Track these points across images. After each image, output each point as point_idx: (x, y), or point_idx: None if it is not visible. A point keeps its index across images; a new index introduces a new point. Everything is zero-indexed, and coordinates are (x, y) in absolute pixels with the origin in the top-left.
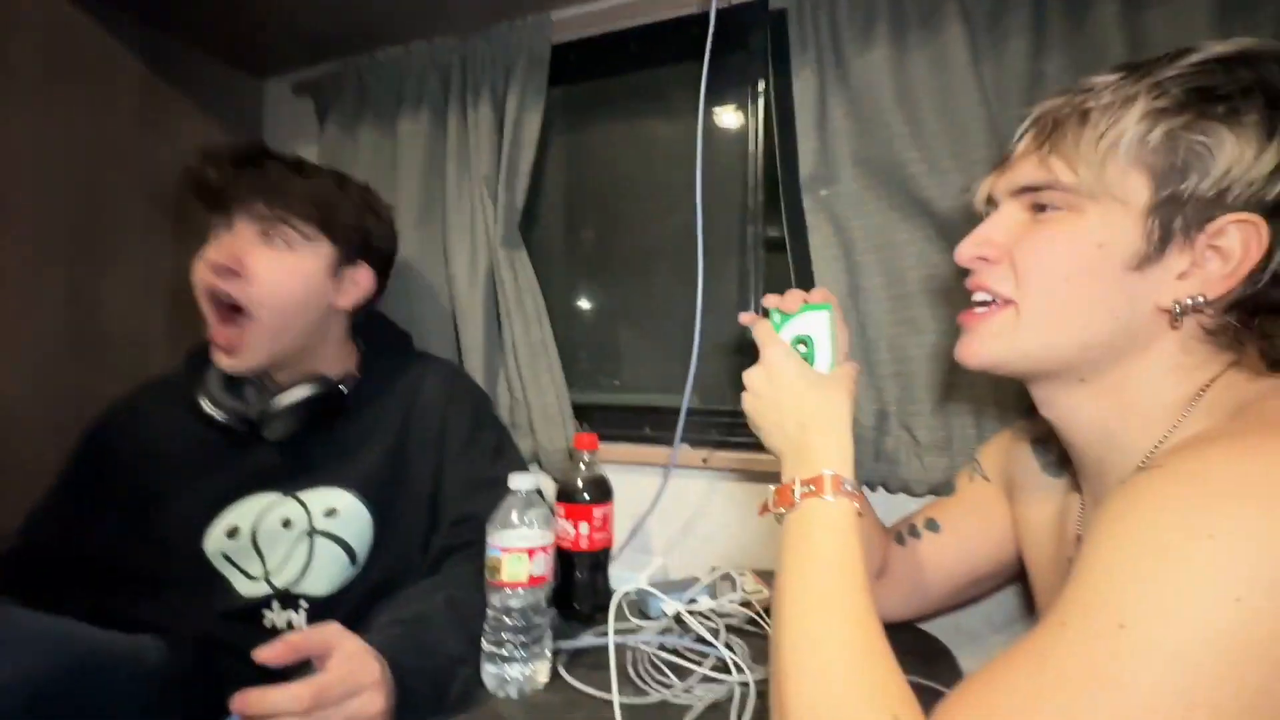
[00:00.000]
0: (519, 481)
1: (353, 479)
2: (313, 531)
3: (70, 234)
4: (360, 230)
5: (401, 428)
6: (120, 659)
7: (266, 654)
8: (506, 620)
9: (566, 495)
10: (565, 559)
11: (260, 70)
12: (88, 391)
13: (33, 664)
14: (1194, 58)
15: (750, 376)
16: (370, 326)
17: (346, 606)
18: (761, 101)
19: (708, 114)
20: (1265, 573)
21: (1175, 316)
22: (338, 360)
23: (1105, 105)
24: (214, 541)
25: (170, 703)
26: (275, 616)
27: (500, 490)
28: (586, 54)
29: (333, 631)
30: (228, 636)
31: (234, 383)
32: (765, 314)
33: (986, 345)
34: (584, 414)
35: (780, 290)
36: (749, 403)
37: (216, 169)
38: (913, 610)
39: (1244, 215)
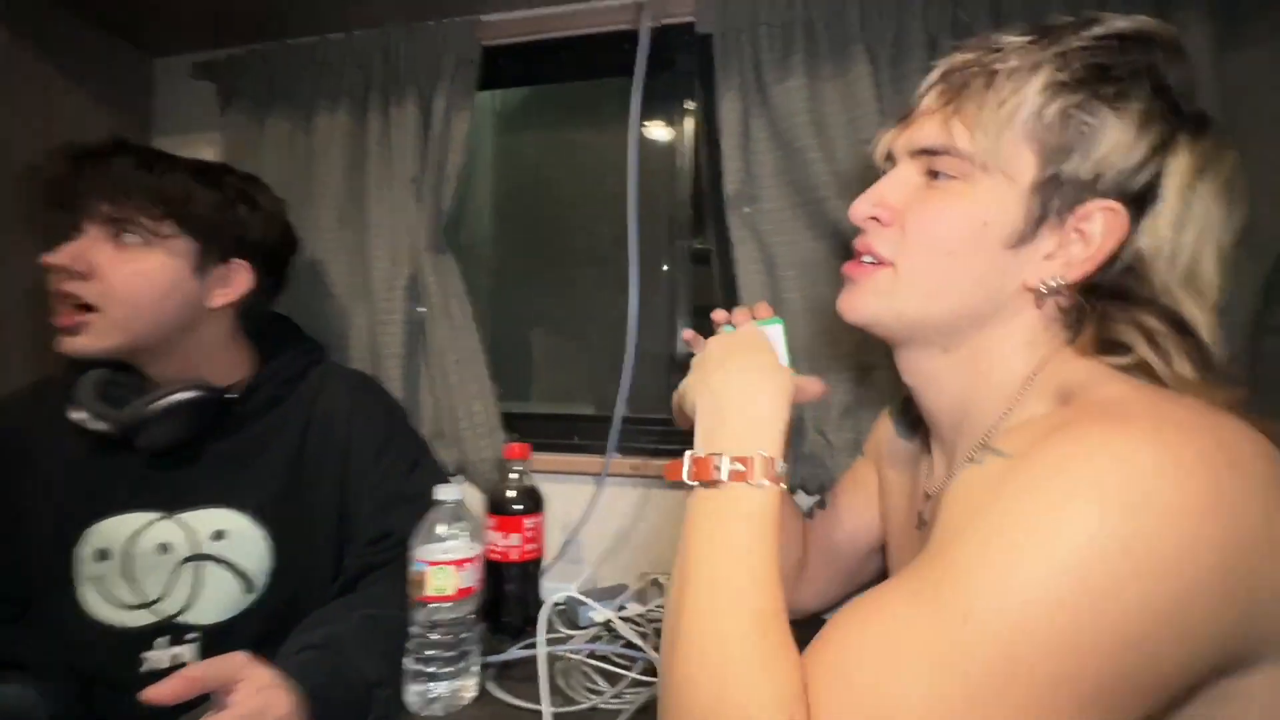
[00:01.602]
0: (445, 493)
1: (244, 498)
2: (197, 556)
3: None
4: (228, 225)
5: (300, 440)
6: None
7: (156, 692)
8: (432, 636)
9: (496, 506)
10: (495, 571)
11: (151, 46)
12: None
13: None
14: (1097, 30)
15: (713, 340)
16: (269, 331)
17: (245, 635)
18: (689, 119)
19: (638, 128)
20: (1099, 578)
21: (1040, 296)
22: (225, 366)
23: (1011, 70)
24: (82, 564)
25: None
26: (158, 654)
27: (418, 504)
28: (518, 60)
29: (238, 662)
30: (109, 675)
31: (113, 389)
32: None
33: (866, 301)
34: (513, 423)
35: (708, 303)
36: (697, 361)
37: (60, 167)
38: (822, 596)
39: (1109, 202)
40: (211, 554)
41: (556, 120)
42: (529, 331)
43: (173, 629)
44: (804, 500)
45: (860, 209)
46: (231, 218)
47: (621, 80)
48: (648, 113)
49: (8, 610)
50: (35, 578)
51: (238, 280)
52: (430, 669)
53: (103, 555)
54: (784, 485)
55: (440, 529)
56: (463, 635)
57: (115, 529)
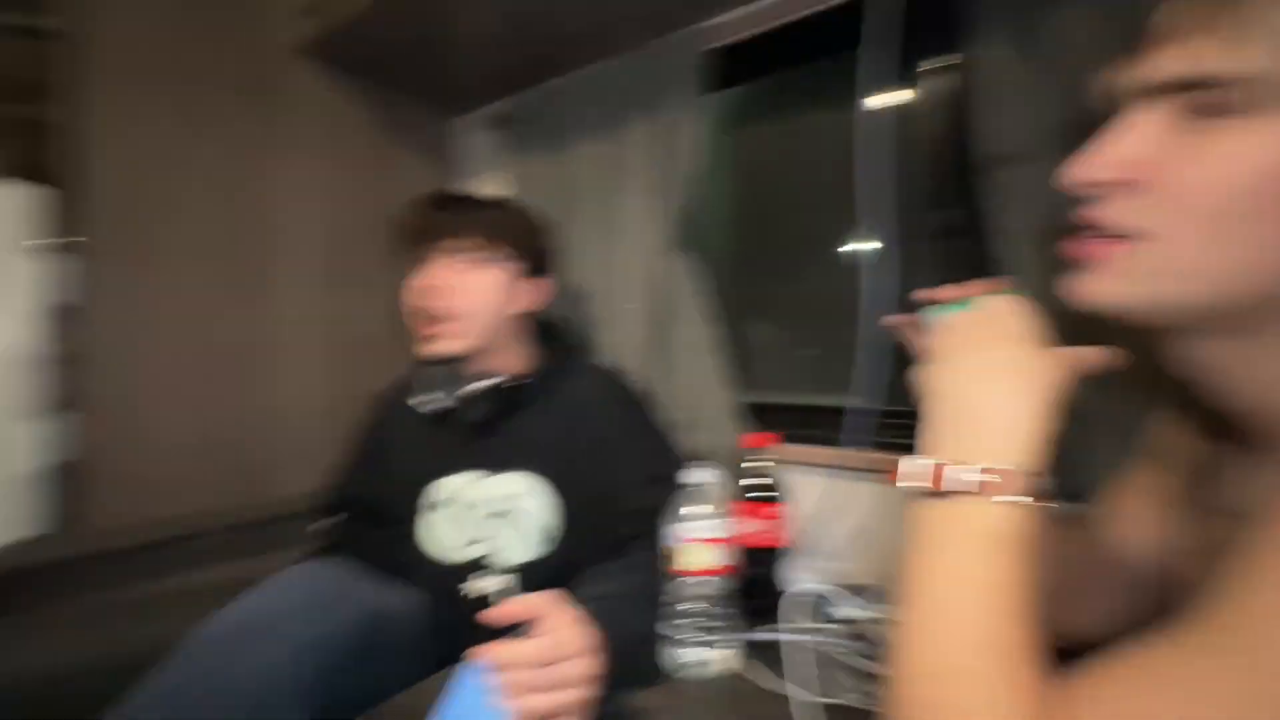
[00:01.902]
0: (695, 476)
1: (537, 466)
2: (504, 511)
3: (325, 263)
4: (530, 247)
5: (569, 424)
6: (396, 613)
7: (495, 615)
8: (686, 607)
9: (739, 493)
10: (739, 556)
11: (453, 108)
12: (338, 392)
13: (346, 618)
14: None
15: (951, 319)
16: (543, 331)
17: (537, 580)
18: (927, 83)
19: (865, 101)
20: None
21: None
22: (517, 361)
23: None
24: (428, 510)
25: (424, 650)
26: (480, 585)
27: (669, 485)
28: (740, 57)
29: (551, 599)
30: (446, 593)
31: (439, 381)
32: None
33: (1119, 287)
34: (751, 413)
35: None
36: (937, 342)
37: (417, 214)
38: (1099, 622)
39: None
40: (516, 509)
41: (781, 108)
42: (764, 322)
43: (483, 567)
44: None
45: (1091, 171)
46: (532, 241)
47: (845, 55)
48: (875, 84)
49: (402, 532)
50: (402, 516)
51: (533, 291)
52: (684, 636)
53: (440, 504)
54: (1043, 501)
55: (691, 509)
56: (710, 610)
57: (449, 485)
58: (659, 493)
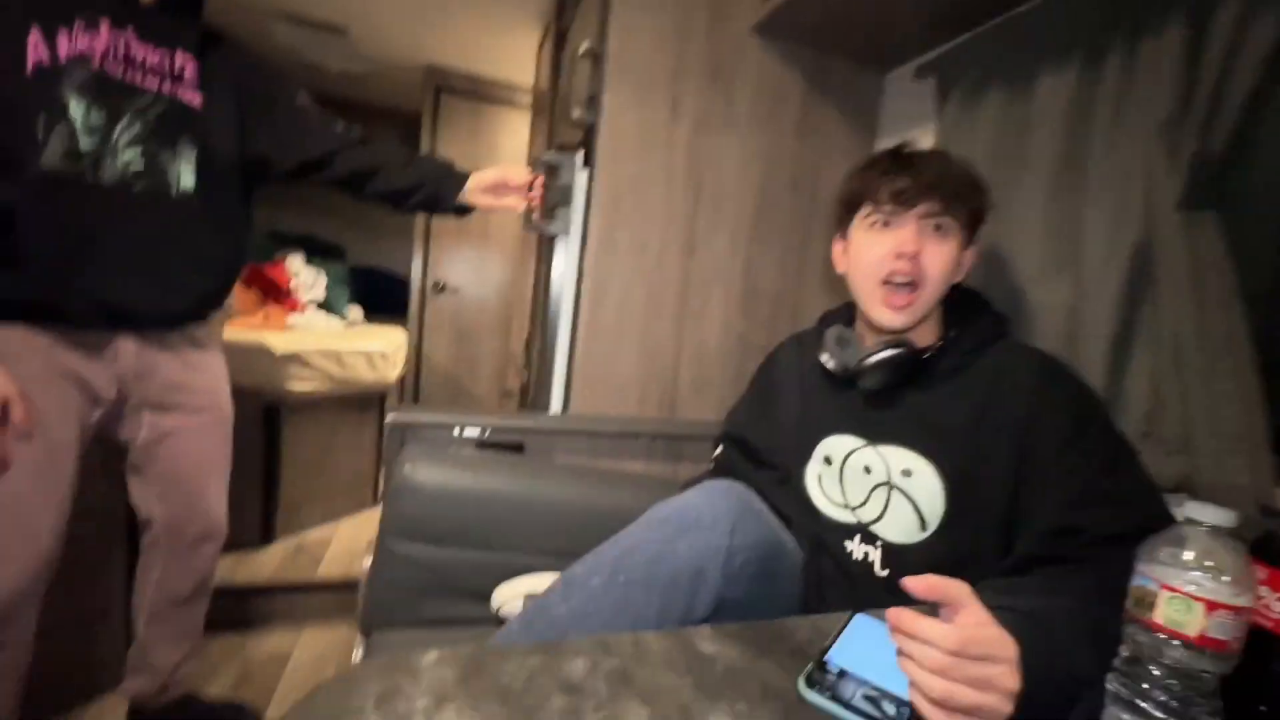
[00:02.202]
0: (1206, 513)
1: (928, 447)
2: (888, 484)
3: (749, 221)
4: (978, 213)
5: (979, 410)
6: (789, 547)
7: (915, 584)
8: (1150, 670)
9: (1266, 552)
10: (1258, 641)
11: (882, 64)
12: (749, 338)
13: (761, 536)
14: None
15: None
16: (960, 301)
17: (914, 565)
18: None
19: None
20: None
21: None
22: (929, 331)
23: None
24: (813, 463)
25: (795, 590)
26: (856, 547)
27: (1121, 508)
28: None
29: (964, 590)
30: (825, 545)
31: (842, 341)
32: None
33: None
34: None
35: None
36: None
37: (878, 176)
38: None
39: None
40: (899, 486)
41: None
42: None
43: (865, 533)
44: None
45: None
46: (983, 202)
47: None
48: None
49: (782, 476)
50: (789, 462)
51: (969, 260)
52: (1136, 701)
53: (827, 461)
54: None
55: (1188, 554)
56: (1191, 692)
57: (837, 445)
58: (1103, 515)
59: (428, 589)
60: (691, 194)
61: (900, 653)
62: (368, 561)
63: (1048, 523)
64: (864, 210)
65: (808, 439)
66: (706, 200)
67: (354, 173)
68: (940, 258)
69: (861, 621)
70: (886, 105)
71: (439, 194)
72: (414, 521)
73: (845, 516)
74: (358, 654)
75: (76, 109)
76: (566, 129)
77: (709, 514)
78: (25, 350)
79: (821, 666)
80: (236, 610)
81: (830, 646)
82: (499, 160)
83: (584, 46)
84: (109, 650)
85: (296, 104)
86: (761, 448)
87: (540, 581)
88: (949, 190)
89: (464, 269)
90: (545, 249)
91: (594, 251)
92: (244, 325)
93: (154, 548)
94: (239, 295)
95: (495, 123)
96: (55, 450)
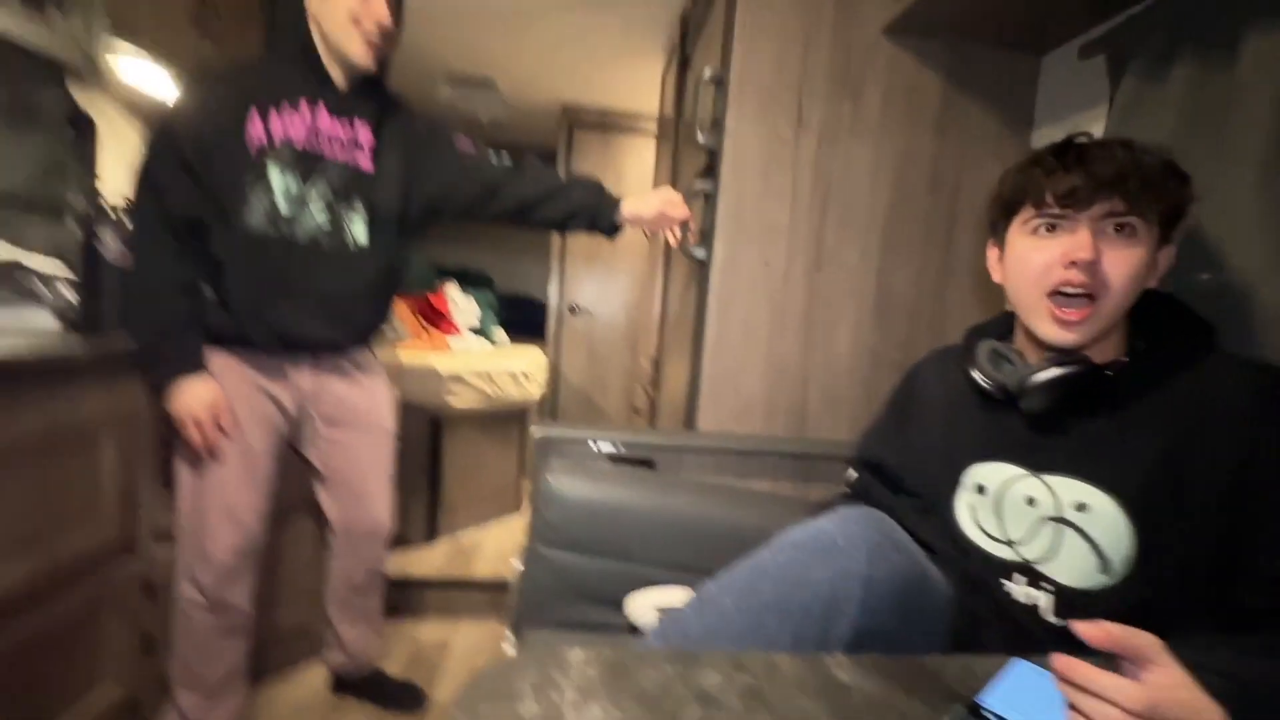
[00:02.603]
0: None
1: (1109, 479)
2: (1058, 519)
3: (881, 229)
4: (1177, 208)
5: (1181, 435)
6: (935, 581)
7: (1092, 631)
8: None
9: None
10: None
11: (1037, 47)
12: (882, 354)
13: (900, 567)
14: None
15: None
16: (1150, 308)
17: (1096, 611)
18: None
19: None
20: None
21: None
22: (1112, 345)
23: None
24: (963, 491)
25: (943, 627)
26: (1018, 588)
27: None
28: None
29: (1153, 644)
30: (978, 582)
31: (998, 357)
32: None
33: None
34: None
35: None
36: None
37: (1043, 173)
38: None
39: None
40: (1072, 521)
41: None
42: None
43: (1029, 572)
44: None
45: None
46: (1181, 196)
47: None
48: None
49: (925, 504)
50: (930, 487)
51: (1164, 261)
52: None
53: (980, 490)
54: None
55: None
56: None
57: (993, 472)
58: None
59: (568, 593)
60: (818, 207)
61: (1071, 707)
62: (517, 564)
63: (1274, 567)
64: (1024, 213)
65: (955, 465)
66: (834, 212)
67: (519, 206)
68: (1125, 264)
69: (1021, 668)
70: (1043, 91)
71: (595, 219)
72: (557, 529)
73: (1004, 553)
74: (508, 647)
75: (279, 179)
76: (692, 153)
77: (844, 541)
78: (229, 372)
79: (974, 710)
80: (408, 599)
81: (984, 690)
82: (626, 186)
83: (708, 73)
84: (315, 624)
85: (459, 149)
86: (900, 472)
87: (669, 594)
88: (1134, 185)
89: (595, 291)
90: (668, 269)
91: (718, 271)
92: (413, 348)
93: (334, 542)
94: (409, 321)
95: (623, 150)
96: (252, 449)
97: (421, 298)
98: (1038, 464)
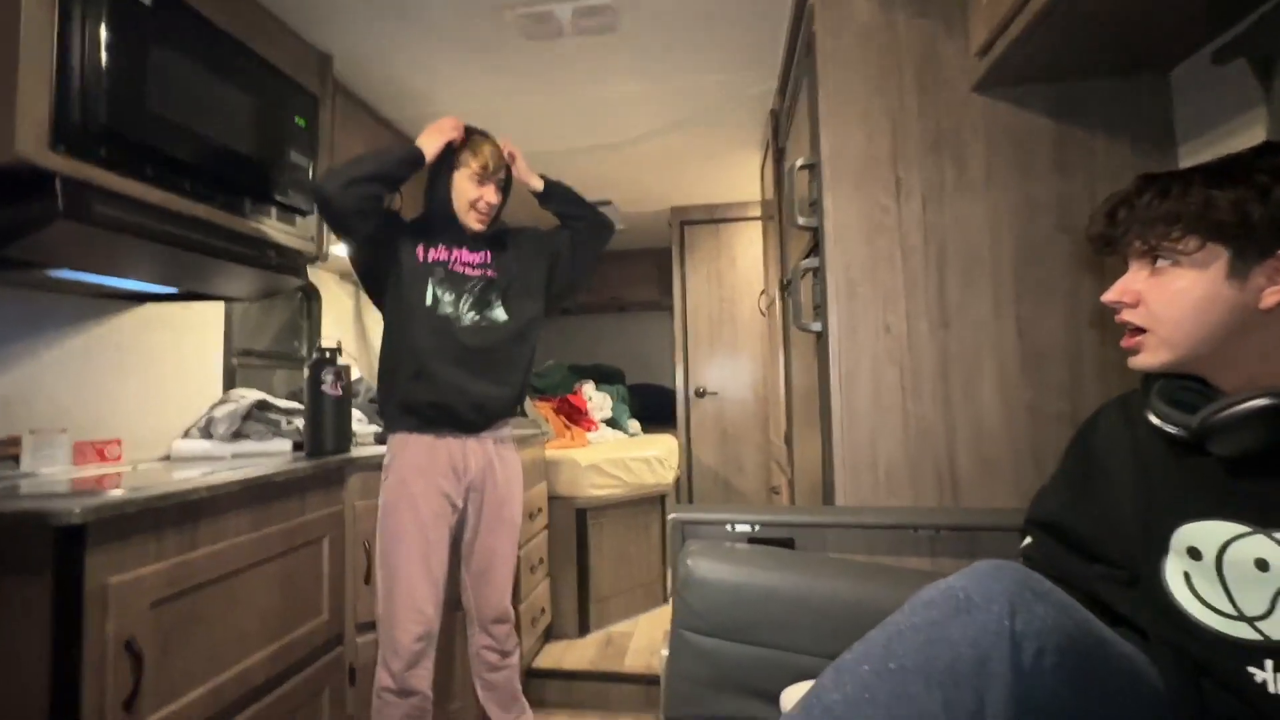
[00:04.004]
0: None
1: None
2: None
3: (1011, 280)
4: (1260, 220)
5: None
6: (1119, 651)
7: None
8: None
9: None
10: None
11: (1160, 64)
12: (1041, 407)
13: (1054, 622)
14: None
15: None
16: None
17: None
18: None
19: None
20: None
21: None
22: None
23: None
24: (1173, 557)
25: (1155, 713)
26: (1270, 676)
27: None
28: None
29: None
30: (1216, 673)
31: (1181, 395)
32: None
33: None
34: None
35: None
36: None
37: (1098, 221)
38: None
39: None
40: None
41: None
42: None
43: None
44: None
45: None
46: (1263, 211)
47: None
48: None
49: (1124, 575)
50: (1128, 553)
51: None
52: None
53: (1194, 554)
54: None
55: None
56: None
57: (1205, 533)
58: None
59: (718, 684)
60: (934, 267)
61: None
62: (665, 652)
63: None
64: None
65: (1156, 527)
66: (954, 269)
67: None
68: (1163, 293)
69: None
70: (1180, 107)
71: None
72: (699, 615)
73: (1242, 631)
74: None
75: (437, 289)
76: (797, 235)
77: (979, 594)
78: (417, 475)
79: None
80: (563, 692)
81: None
82: (739, 270)
83: (799, 162)
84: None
85: (556, 240)
86: (1088, 537)
87: None
88: (1124, 218)
89: (720, 373)
90: (787, 344)
91: (836, 340)
92: (558, 446)
93: (469, 626)
94: (553, 421)
95: (732, 238)
96: (432, 547)
97: (562, 399)
98: (1258, 518)
